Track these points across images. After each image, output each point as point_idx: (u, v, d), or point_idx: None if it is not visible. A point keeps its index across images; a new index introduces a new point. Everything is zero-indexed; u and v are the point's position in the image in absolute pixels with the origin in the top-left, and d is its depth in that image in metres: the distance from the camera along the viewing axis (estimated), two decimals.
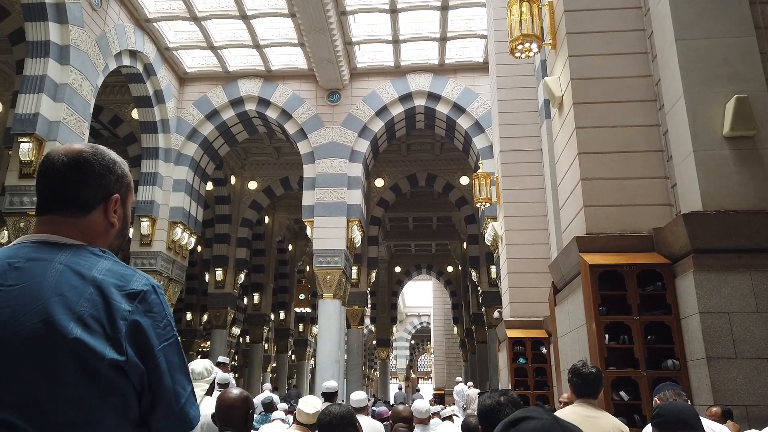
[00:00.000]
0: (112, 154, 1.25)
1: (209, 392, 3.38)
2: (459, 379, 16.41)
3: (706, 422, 2.96)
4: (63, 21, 10.49)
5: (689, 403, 3.12)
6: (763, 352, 4.19)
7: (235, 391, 2.50)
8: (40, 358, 1.00)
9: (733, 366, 4.20)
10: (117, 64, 12.50)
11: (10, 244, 1.16)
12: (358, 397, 5.13)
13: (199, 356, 26.24)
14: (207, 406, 3.00)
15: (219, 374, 8.79)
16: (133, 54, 13.05)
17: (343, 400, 13.42)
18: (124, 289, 1.10)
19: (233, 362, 26.10)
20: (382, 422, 5.81)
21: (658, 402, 3.14)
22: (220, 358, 9.68)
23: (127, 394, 1.06)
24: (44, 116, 10.10)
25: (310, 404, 3.48)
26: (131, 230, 14.17)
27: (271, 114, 15.12)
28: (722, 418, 3.75)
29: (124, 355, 1.05)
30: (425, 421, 4.74)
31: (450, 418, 7.12)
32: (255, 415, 7.66)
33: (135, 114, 15.00)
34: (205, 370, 3.35)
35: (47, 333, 1.01)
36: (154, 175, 14.17)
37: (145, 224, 13.89)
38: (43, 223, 1.17)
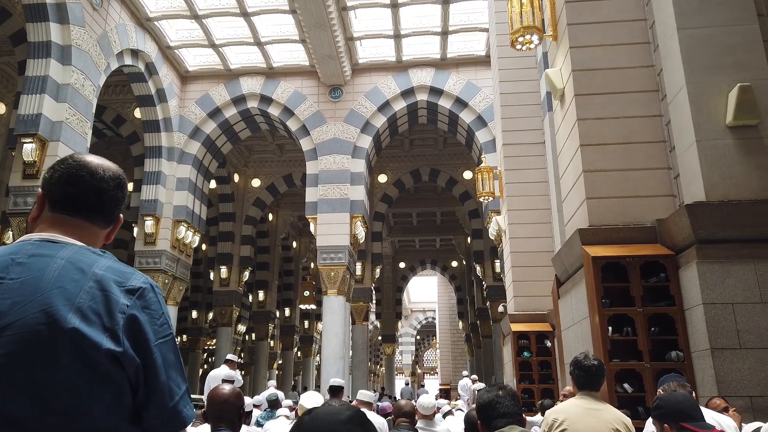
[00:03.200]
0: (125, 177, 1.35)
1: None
2: (465, 373, 16.43)
3: (709, 413, 2.94)
4: (64, 21, 10.50)
5: (693, 394, 3.10)
6: None
7: (227, 387, 2.50)
8: (39, 347, 1.03)
9: (738, 357, 4.17)
10: (119, 63, 12.51)
11: (14, 242, 1.20)
12: (365, 393, 5.18)
13: (204, 354, 26.29)
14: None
15: (225, 371, 8.85)
16: (135, 53, 13.06)
17: (348, 396, 13.45)
18: (124, 285, 1.13)
19: (239, 359, 26.20)
20: (385, 417, 5.81)
21: (662, 393, 3.13)
22: (229, 356, 9.73)
23: (123, 386, 1.08)
24: (47, 116, 10.12)
25: (312, 399, 3.48)
26: (135, 229, 14.23)
27: (274, 111, 15.11)
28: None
29: (121, 347, 1.07)
30: (430, 417, 4.74)
31: (450, 412, 7.12)
32: (260, 412, 7.65)
33: (137, 113, 15.02)
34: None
35: (46, 322, 1.04)
36: (158, 174, 14.20)
37: (149, 223, 13.92)
38: (61, 222, 1.21)
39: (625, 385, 4.75)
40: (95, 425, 1.05)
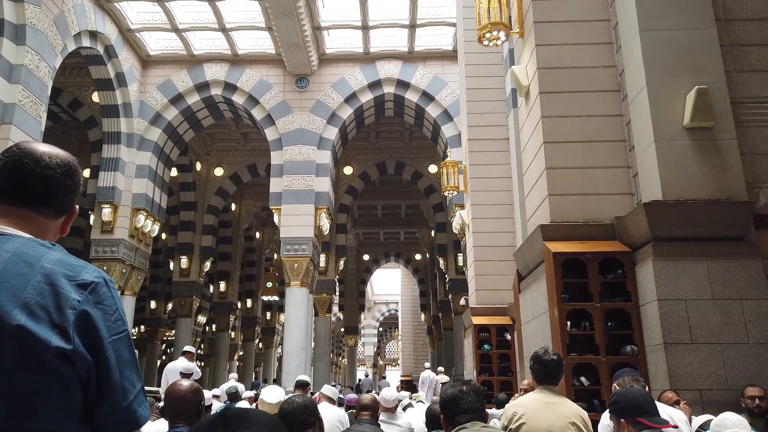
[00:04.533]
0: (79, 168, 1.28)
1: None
2: (427, 365, 16.55)
3: (661, 407, 3.03)
4: None
5: (647, 388, 3.19)
6: (717, 337, 4.32)
7: (185, 382, 2.44)
8: None
9: (689, 351, 4.32)
10: (76, 45, 12.07)
11: None
12: (330, 388, 5.15)
13: (165, 346, 25.86)
14: None
15: (183, 363, 8.70)
16: (93, 35, 12.62)
17: (309, 389, 13.40)
18: (74, 280, 1.08)
19: (199, 351, 25.81)
20: (349, 410, 5.81)
21: (617, 388, 3.21)
22: (186, 348, 9.56)
23: (72, 385, 1.03)
24: None
25: (273, 394, 3.44)
26: (92, 217, 13.80)
27: (238, 99, 14.85)
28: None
29: (71, 344, 1.02)
30: (392, 410, 4.76)
31: (410, 405, 7.17)
32: (219, 404, 7.54)
33: (95, 97, 14.53)
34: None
35: None
36: (116, 160, 13.80)
37: (106, 211, 13.53)
38: (5, 213, 1.15)
39: (582, 379, 4.87)
40: (43, 426, 1.00)
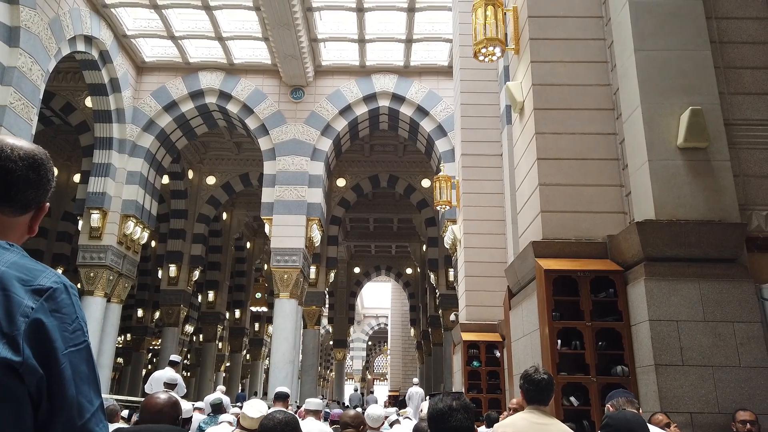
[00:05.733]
0: (51, 163, 1.17)
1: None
2: (415, 380, 16.41)
3: (652, 429, 2.97)
4: (13, 1, 10.00)
5: (641, 411, 3.13)
6: (709, 360, 4.27)
7: (163, 395, 2.36)
8: None
9: (680, 373, 4.26)
10: (71, 49, 12.01)
11: None
12: (314, 401, 5.05)
13: (150, 355, 25.53)
14: None
15: (169, 374, 8.53)
16: (89, 40, 12.57)
17: (297, 401, 13.23)
18: (30, 284, 0.98)
19: (185, 361, 25.50)
20: (333, 425, 5.71)
21: (611, 409, 3.15)
22: (173, 357, 9.40)
23: (22, 401, 0.94)
24: None
25: (256, 408, 3.35)
26: (80, 222, 13.65)
27: (232, 108, 14.82)
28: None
29: (20, 356, 0.93)
30: (378, 429, 4.67)
31: (397, 421, 7.05)
32: (202, 416, 7.39)
33: (89, 102, 14.45)
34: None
35: None
36: (107, 166, 13.69)
37: (95, 216, 13.39)
38: None
39: (572, 399, 4.79)
40: None
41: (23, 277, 0.99)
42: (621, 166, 5.58)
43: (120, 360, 26.11)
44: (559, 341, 4.97)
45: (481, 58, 6.75)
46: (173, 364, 9.14)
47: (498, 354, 9.48)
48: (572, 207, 5.54)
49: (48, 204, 1.18)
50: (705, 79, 5.02)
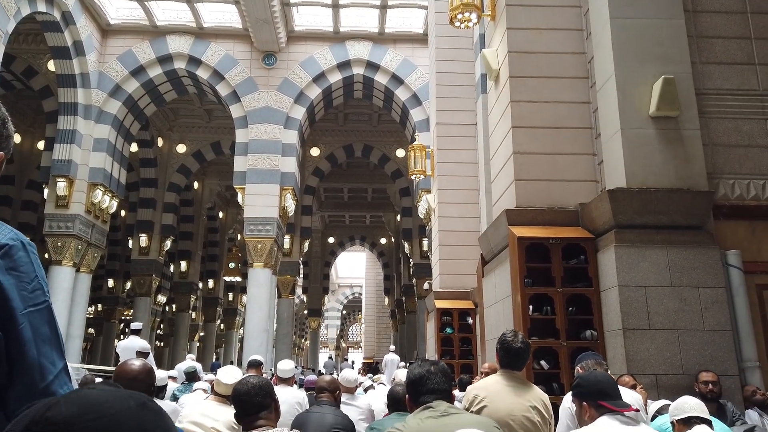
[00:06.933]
0: (3, 110, 1.10)
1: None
2: (392, 348, 16.62)
3: (621, 390, 3.06)
4: None
5: (608, 372, 3.21)
6: (674, 323, 4.40)
7: (137, 362, 2.33)
8: None
9: (647, 337, 4.39)
10: (31, 9, 11.46)
11: None
12: (285, 366, 5.04)
13: (123, 326, 25.34)
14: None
15: (140, 342, 8.45)
16: (50, 0, 12.02)
17: (272, 369, 13.30)
18: None
19: (158, 331, 25.35)
20: (308, 391, 5.75)
21: (580, 371, 3.22)
22: (134, 325, 9.24)
23: None
24: None
25: (230, 374, 3.34)
26: (46, 191, 13.27)
27: (202, 74, 14.43)
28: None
29: None
30: (351, 390, 4.72)
31: (372, 386, 7.16)
32: (176, 385, 7.37)
33: (51, 66, 13.89)
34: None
35: None
36: (72, 132, 13.26)
37: (61, 185, 13.01)
38: None
39: (542, 362, 4.91)
40: None
41: None
42: (594, 134, 5.62)
43: (91, 330, 25.81)
44: (530, 307, 5.06)
45: (457, 24, 6.67)
46: (136, 332, 9.01)
47: (470, 321, 9.63)
48: (546, 175, 5.58)
49: (3, 153, 1.11)
50: (678, 48, 5.05)
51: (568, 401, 2.94)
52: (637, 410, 2.23)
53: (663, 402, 3.22)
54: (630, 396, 2.94)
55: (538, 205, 5.47)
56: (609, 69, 5.12)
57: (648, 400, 3.67)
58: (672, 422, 2.63)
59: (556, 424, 2.93)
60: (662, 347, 4.34)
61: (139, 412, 0.57)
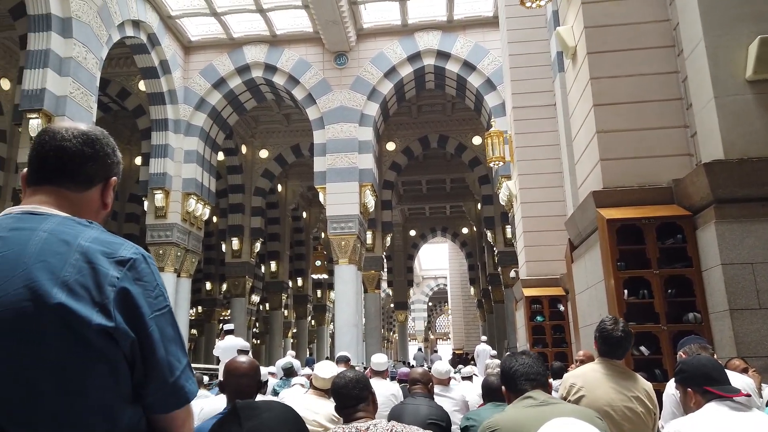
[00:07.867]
0: (111, 139, 1.27)
1: None
2: (484, 338, 16.47)
3: (729, 374, 2.88)
4: None
5: (714, 356, 3.04)
6: None
7: (245, 359, 2.46)
8: (23, 325, 0.97)
9: (757, 317, 4.10)
10: (120, 35, 12.33)
11: None
12: (379, 360, 5.16)
13: (222, 325, 26.75)
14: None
15: (240, 342, 8.89)
16: (136, 24, 12.86)
17: (363, 363, 13.59)
18: (112, 257, 1.06)
19: (254, 329, 26.56)
20: (401, 384, 5.84)
21: (684, 356, 3.06)
22: (227, 326, 9.80)
23: (118, 364, 1.03)
24: (51, 91, 10.02)
25: (327, 369, 3.47)
26: (146, 203, 14.25)
27: (278, 80, 14.91)
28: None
29: (113, 321, 1.01)
30: (445, 382, 4.75)
31: (470, 378, 7.15)
32: (276, 380, 7.71)
33: (142, 86, 14.88)
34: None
35: (30, 299, 0.98)
36: (165, 147, 14.14)
37: (158, 197, 13.93)
38: (35, 193, 1.15)
39: (642, 348, 4.71)
40: (90, 405, 1.00)
41: (106, 251, 1.06)
42: (684, 105, 5.30)
43: (194, 331, 27.49)
44: (625, 291, 4.86)
45: (528, 4, 6.50)
46: (230, 332, 9.49)
47: (561, 308, 9.38)
48: (633, 153, 5.33)
49: (115, 178, 1.25)
50: None
51: (671, 388, 2.81)
52: (748, 395, 2.10)
53: None
54: (740, 380, 2.77)
55: (627, 185, 5.24)
56: (697, 34, 4.80)
57: (762, 384, 3.43)
58: None
59: (660, 412, 2.81)
60: None
61: None
